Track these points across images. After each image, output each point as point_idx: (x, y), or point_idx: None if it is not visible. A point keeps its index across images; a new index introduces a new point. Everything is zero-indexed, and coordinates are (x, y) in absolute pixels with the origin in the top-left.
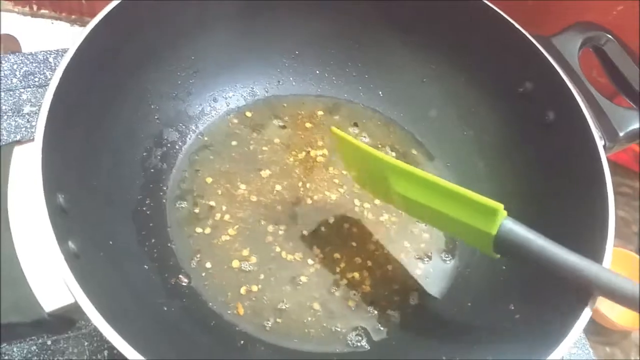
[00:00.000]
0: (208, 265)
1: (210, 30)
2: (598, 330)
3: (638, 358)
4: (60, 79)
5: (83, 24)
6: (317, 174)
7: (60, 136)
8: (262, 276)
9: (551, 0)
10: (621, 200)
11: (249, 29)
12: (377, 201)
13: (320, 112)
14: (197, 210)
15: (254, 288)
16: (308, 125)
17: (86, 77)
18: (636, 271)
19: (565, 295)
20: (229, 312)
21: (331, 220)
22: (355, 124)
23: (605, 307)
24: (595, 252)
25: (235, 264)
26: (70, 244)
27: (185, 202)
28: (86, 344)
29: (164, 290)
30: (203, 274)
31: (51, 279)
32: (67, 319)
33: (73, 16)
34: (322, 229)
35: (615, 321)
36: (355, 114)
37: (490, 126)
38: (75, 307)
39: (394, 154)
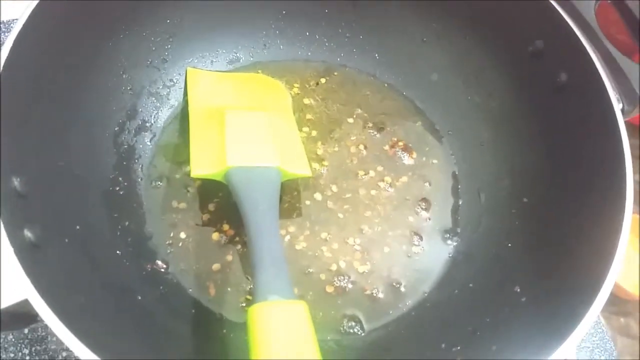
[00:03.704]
0: (183, 237)
1: None
2: (612, 300)
3: None
4: (15, 45)
5: None
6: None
7: (19, 113)
8: (240, 254)
9: None
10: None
11: None
12: (372, 173)
13: (311, 78)
14: (175, 188)
15: (229, 258)
16: (296, 91)
17: (48, 43)
18: None
19: (577, 277)
20: (208, 298)
21: (319, 198)
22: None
23: (620, 276)
24: (612, 227)
25: (215, 237)
26: (27, 232)
27: (162, 181)
28: None
29: (138, 278)
30: (180, 251)
31: (3, 272)
32: (25, 315)
33: None
34: (307, 202)
35: (630, 291)
36: (350, 79)
37: (496, 91)
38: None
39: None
